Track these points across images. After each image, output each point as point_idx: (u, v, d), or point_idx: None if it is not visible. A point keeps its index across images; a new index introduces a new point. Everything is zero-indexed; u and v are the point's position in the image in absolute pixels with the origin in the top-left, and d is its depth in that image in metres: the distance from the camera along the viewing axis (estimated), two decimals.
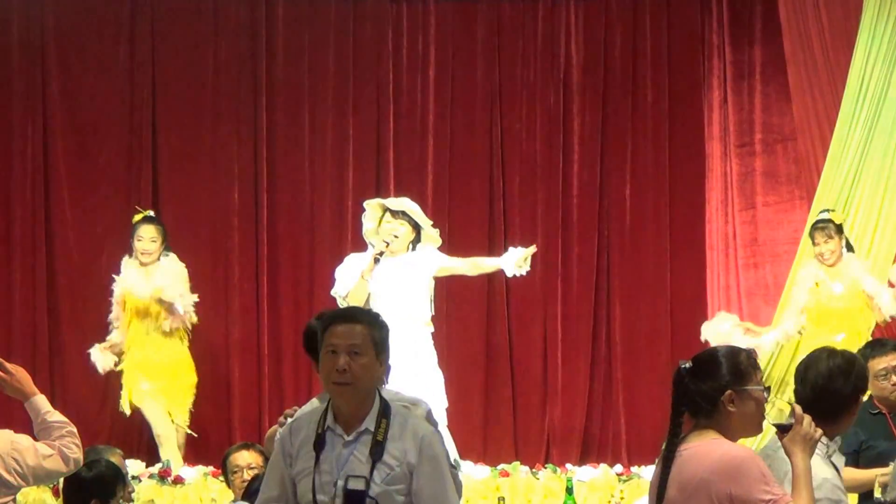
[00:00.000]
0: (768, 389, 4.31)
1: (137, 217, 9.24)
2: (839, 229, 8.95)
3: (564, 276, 10.26)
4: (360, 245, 10.09)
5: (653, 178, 10.37)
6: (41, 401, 5.00)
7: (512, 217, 10.30)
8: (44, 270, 9.83)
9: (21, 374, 5.00)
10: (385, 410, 4.24)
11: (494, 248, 10.15)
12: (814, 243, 8.99)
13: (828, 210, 9.08)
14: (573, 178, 10.32)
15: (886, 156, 9.16)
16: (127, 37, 10.12)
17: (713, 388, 4.04)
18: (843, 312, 8.91)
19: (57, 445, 4.92)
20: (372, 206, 8.73)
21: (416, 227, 8.66)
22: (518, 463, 9.40)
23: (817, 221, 9.02)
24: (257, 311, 10.02)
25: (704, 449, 3.97)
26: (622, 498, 8.87)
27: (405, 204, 8.69)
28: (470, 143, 10.31)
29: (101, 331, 9.38)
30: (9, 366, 4.99)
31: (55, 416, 5.00)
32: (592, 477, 9.09)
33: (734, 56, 10.44)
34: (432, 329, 8.64)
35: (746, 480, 3.88)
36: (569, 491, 7.75)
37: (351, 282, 8.56)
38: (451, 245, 10.09)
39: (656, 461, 4.23)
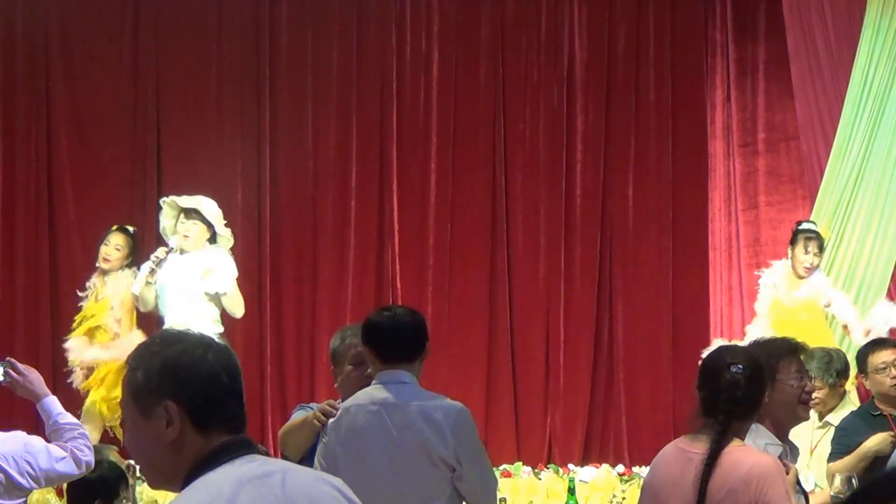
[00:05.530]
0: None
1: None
2: (822, 246, 8.94)
3: (567, 276, 10.21)
4: (362, 243, 10.06)
5: (655, 178, 10.35)
6: (53, 402, 4.92)
7: (514, 215, 10.24)
8: (47, 270, 9.75)
9: (34, 375, 4.93)
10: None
11: (496, 247, 10.14)
12: (798, 249, 8.93)
13: (813, 223, 9.03)
14: (576, 176, 10.29)
15: (890, 154, 9.13)
16: (131, 34, 10.06)
17: (762, 389, 4.01)
18: (806, 325, 8.76)
19: (69, 448, 4.82)
20: (167, 204, 8.68)
21: (211, 225, 8.65)
22: (520, 463, 9.39)
23: (809, 230, 8.95)
24: (260, 309, 9.93)
25: (733, 458, 3.91)
26: (624, 498, 8.85)
27: (198, 202, 8.62)
28: (473, 140, 10.26)
29: None
30: (21, 366, 4.92)
31: (67, 417, 4.92)
32: (594, 477, 9.08)
33: (737, 53, 10.41)
34: (221, 329, 8.62)
35: (773, 494, 3.84)
36: (571, 491, 7.72)
37: (140, 284, 8.60)
38: (454, 244, 10.10)
39: (653, 462, 4.18)
